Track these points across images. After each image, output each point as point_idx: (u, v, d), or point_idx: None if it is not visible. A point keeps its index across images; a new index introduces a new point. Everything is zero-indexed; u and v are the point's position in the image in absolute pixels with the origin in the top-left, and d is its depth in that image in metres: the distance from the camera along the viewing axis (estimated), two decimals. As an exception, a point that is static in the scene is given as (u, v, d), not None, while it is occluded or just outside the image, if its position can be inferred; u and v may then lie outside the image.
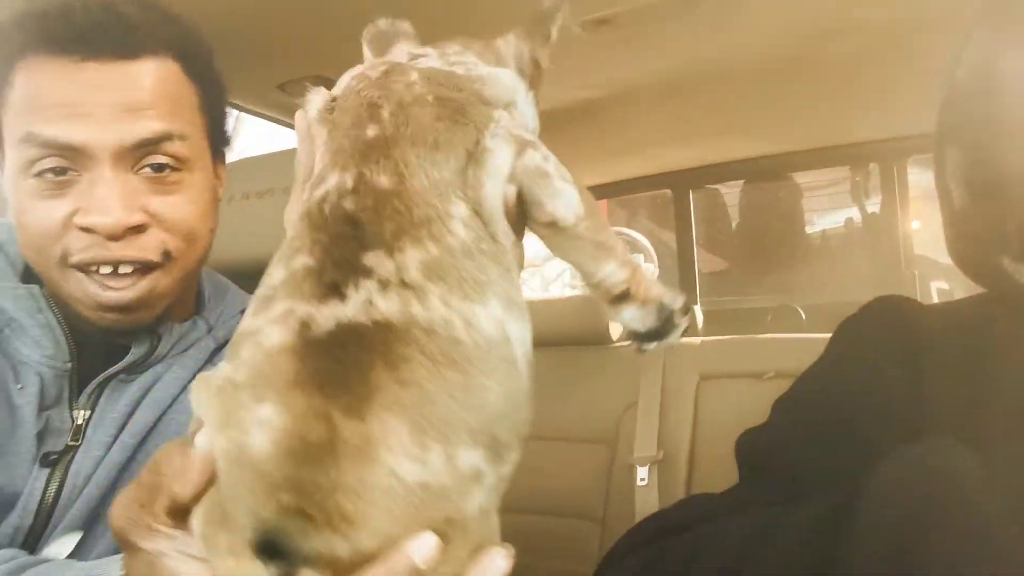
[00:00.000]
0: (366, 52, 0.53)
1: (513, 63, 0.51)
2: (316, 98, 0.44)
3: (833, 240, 3.55)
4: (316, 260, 0.36)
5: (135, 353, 0.68)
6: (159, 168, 0.65)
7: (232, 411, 0.33)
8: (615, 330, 1.75)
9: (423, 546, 0.33)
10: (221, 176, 0.75)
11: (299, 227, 0.39)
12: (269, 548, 0.32)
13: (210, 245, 0.72)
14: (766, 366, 1.48)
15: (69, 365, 0.66)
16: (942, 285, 2.65)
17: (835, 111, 1.85)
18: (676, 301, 0.46)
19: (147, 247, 0.64)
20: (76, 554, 0.61)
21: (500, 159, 0.41)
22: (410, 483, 0.33)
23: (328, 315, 0.34)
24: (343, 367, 0.33)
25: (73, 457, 0.65)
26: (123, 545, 0.37)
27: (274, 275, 0.38)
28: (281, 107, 1.50)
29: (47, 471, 0.64)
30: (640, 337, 0.47)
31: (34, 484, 0.63)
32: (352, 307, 0.34)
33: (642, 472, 1.47)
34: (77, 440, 0.65)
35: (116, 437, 0.66)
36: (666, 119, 1.86)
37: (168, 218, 0.65)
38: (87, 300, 0.64)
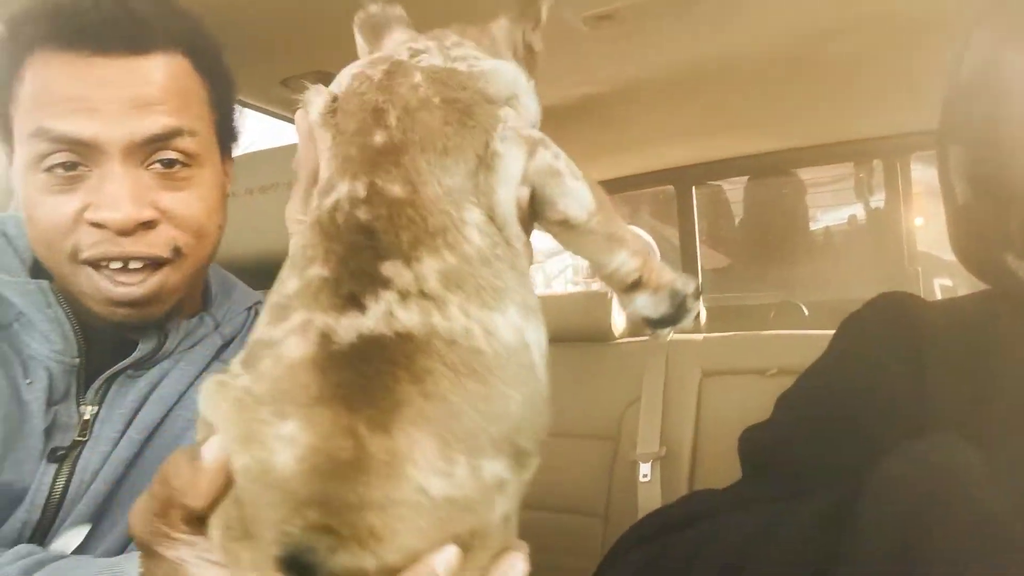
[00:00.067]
0: (358, 39, 0.53)
1: (508, 48, 0.51)
2: (316, 99, 0.43)
3: (836, 237, 3.54)
4: (331, 270, 0.36)
5: (143, 349, 0.68)
6: (169, 164, 0.65)
7: (254, 427, 0.33)
8: (618, 326, 1.75)
9: (446, 559, 0.33)
10: (229, 172, 0.75)
11: (310, 236, 0.38)
12: (295, 564, 0.32)
13: (219, 242, 0.72)
14: (769, 363, 1.48)
15: (77, 360, 0.66)
16: (945, 282, 2.65)
17: (838, 107, 1.84)
18: (688, 286, 0.47)
19: (157, 243, 0.65)
20: (83, 548, 0.62)
21: (511, 163, 0.41)
22: (437, 497, 0.32)
23: (349, 327, 0.34)
24: (367, 380, 0.33)
25: (80, 452, 0.65)
26: (146, 553, 0.37)
27: (288, 284, 0.37)
28: (284, 102, 1.50)
29: (55, 466, 0.64)
30: (653, 323, 0.47)
31: (42, 479, 0.63)
32: (373, 319, 0.34)
33: (645, 468, 1.47)
34: (84, 435, 0.66)
35: (123, 433, 0.66)
36: (669, 115, 1.86)
37: (178, 214, 0.66)
38: (97, 295, 0.64)
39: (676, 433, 1.50)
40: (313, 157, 0.43)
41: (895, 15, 1.28)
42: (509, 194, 0.40)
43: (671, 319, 0.47)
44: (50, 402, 0.65)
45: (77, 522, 0.63)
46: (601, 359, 1.71)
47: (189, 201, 0.66)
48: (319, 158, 0.42)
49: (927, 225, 2.50)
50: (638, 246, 0.46)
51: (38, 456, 0.64)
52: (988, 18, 0.59)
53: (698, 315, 1.70)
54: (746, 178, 2.75)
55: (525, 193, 0.42)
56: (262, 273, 0.89)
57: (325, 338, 0.34)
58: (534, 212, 0.43)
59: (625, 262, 0.45)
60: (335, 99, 0.42)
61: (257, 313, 0.77)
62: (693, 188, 2.46)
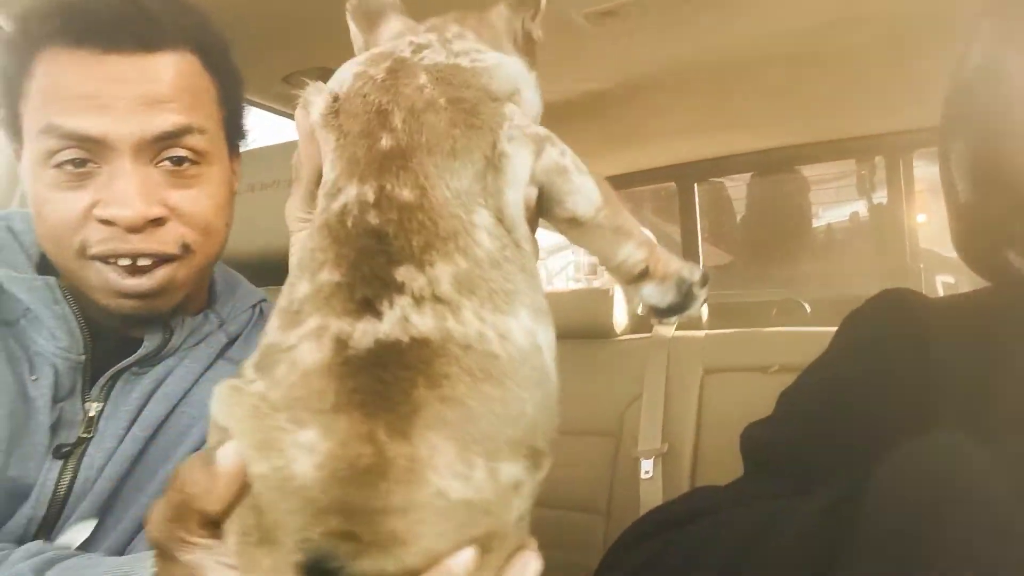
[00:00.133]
0: (352, 27, 0.53)
1: (508, 38, 0.50)
2: (317, 99, 0.42)
3: (838, 234, 3.54)
4: (343, 275, 0.36)
5: (148, 346, 0.68)
6: (178, 161, 0.65)
7: (271, 435, 0.33)
8: (619, 323, 1.75)
9: (464, 561, 0.33)
10: (236, 170, 0.75)
11: (319, 239, 0.38)
12: (316, 570, 0.32)
13: (226, 239, 0.72)
14: (771, 359, 1.48)
15: (83, 357, 0.66)
16: (948, 279, 2.65)
17: (841, 104, 1.84)
18: (694, 274, 0.47)
19: (166, 240, 0.65)
20: (88, 543, 0.62)
21: (519, 163, 0.40)
22: (456, 500, 0.33)
23: (365, 332, 0.34)
24: (384, 386, 0.33)
25: (86, 449, 0.65)
26: (163, 556, 0.37)
27: (298, 288, 0.37)
28: (286, 99, 1.50)
29: (60, 463, 0.64)
30: (661, 312, 0.47)
31: (47, 475, 0.64)
32: (388, 324, 0.34)
33: (646, 465, 1.47)
34: (89, 432, 0.66)
35: (128, 429, 0.66)
36: (671, 112, 1.86)
37: (187, 211, 0.66)
38: (106, 288, 0.64)
39: (678, 430, 1.51)
40: (315, 156, 0.42)
41: (898, 11, 1.27)
42: (518, 195, 0.40)
43: (678, 308, 0.47)
44: (56, 399, 0.65)
45: (82, 518, 0.63)
46: (603, 356, 1.71)
47: (198, 199, 0.67)
48: (322, 158, 0.42)
49: (929, 222, 2.49)
50: (644, 236, 0.46)
51: (43, 452, 0.64)
52: (990, 15, 0.58)
53: (700, 312, 1.70)
54: (748, 175, 2.75)
55: (533, 193, 0.42)
56: (263, 270, 0.90)
57: (340, 344, 0.34)
58: (541, 210, 0.43)
59: (632, 253, 0.45)
60: (336, 99, 0.42)
61: (262, 311, 0.78)
62: (695, 185, 2.46)
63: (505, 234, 0.39)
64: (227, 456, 0.34)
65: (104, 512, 0.64)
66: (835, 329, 0.68)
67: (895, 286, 0.68)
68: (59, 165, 0.62)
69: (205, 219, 0.67)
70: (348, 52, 0.52)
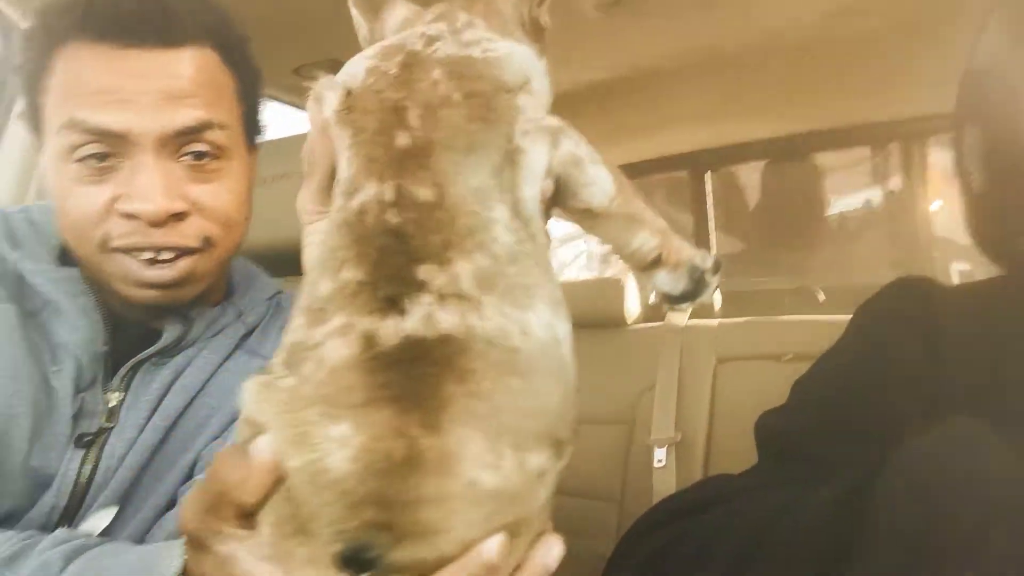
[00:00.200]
0: (355, 15, 0.52)
1: (517, 24, 0.50)
2: (330, 95, 0.42)
3: (852, 221, 3.51)
4: (366, 274, 0.36)
5: (168, 337, 0.69)
6: (199, 156, 0.66)
7: (304, 429, 0.34)
8: (632, 312, 1.75)
9: (493, 547, 0.34)
10: (254, 164, 0.76)
11: (338, 237, 0.38)
12: (354, 560, 0.33)
13: (245, 232, 0.73)
14: (784, 348, 1.48)
15: (105, 348, 0.67)
16: (963, 267, 2.62)
17: (854, 91, 1.82)
18: (707, 261, 0.47)
19: (187, 234, 0.65)
20: (109, 530, 0.63)
21: (536, 158, 0.41)
22: (487, 490, 0.34)
23: (391, 330, 0.34)
24: (413, 382, 0.34)
25: (107, 439, 0.66)
26: (196, 546, 0.38)
27: (320, 286, 0.37)
28: (297, 91, 1.50)
29: (82, 452, 0.65)
30: (673, 299, 0.48)
31: (69, 465, 0.65)
32: (413, 321, 0.35)
33: (660, 453, 1.47)
34: (111, 422, 0.67)
35: (148, 419, 0.67)
36: (681, 101, 1.85)
37: (208, 206, 0.66)
38: (128, 278, 0.65)
39: (691, 419, 1.50)
40: (329, 151, 0.42)
41: (911, -3, 1.26)
42: (534, 189, 0.41)
43: (690, 295, 0.47)
44: (77, 389, 0.66)
45: (103, 506, 0.64)
46: (616, 345, 1.71)
47: (219, 193, 0.67)
48: (337, 155, 0.42)
49: (944, 209, 2.47)
50: (657, 224, 0.47)
51: (65, 442, 0.65)
52: (1003, 5, 0.58)
53: (713, 300, 1.69)
54: (761, 163, 2.73)
55: (549, 185, 0.42)
56: (274, 262, 0.90)
57: (368, 341, 0.34)
58: (555, 200, 0.43)
59: (645, 241, 0.46)
60: (349, 93, 0.42)
61: (279, 303, 0.78)
62: (707, 174, 2.44)
63: (521, 227, 0.39)
64: (262, 449, 0.35)
65: (124, 500, 0.65)
66: (849, 317, 0.68)
67: (909, 274, 0.68)
68: (81, 159, 0.62)
69: (226, 213, 0.68)
70: (359, 44, 0.52)
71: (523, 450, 0.35)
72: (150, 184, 0.62)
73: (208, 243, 0.67)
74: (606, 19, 1.30)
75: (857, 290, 0.77)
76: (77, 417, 0.65)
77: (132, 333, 0.69)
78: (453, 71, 0.42)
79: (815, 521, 0.46)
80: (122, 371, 0.68)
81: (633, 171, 2.38)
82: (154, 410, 0.67)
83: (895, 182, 2.49)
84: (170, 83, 0.63)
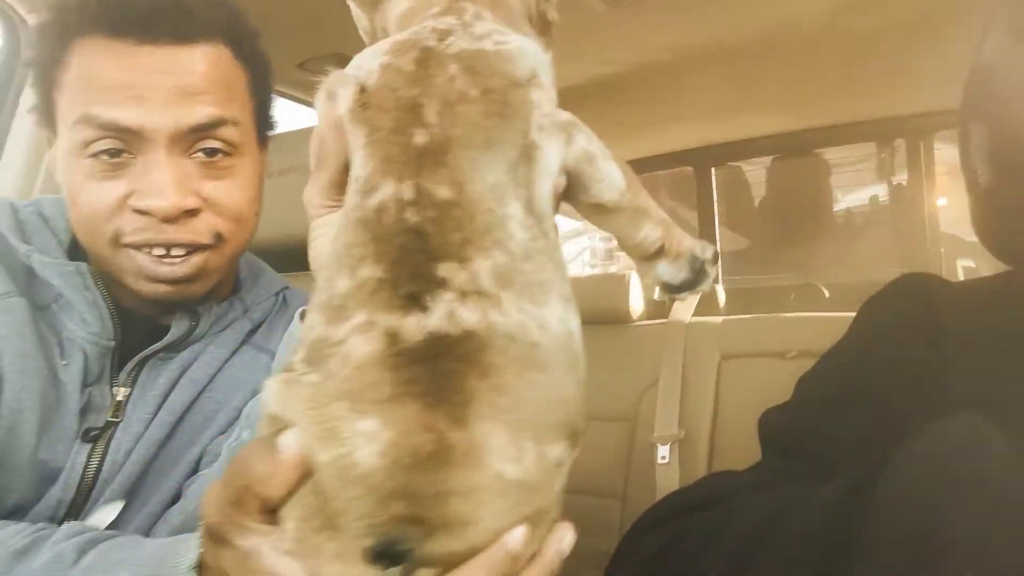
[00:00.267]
0: (353, 7, 0.52)
1: (524, 19, 0.50)
2: (344, 92, 0.42)
3: (858, 217, 3.50)
4: (385, 271, 0.36)
5: (175, 332, 0.69)
6: (211, 153, 0.66)
7: (333, 425, 0.34)
8: (636, 308, 1.74)
9: (517, 538, 0.35)
10: (264, 161, 0.76)
11: (354, 235, 0.38)
12: (384, 554, 0.34)
13: (256, 228, 0.73)
14: (789, 345, 1.47)
15: (113, 343, 0.67)
16: (968, 263, 2.62)
17: (860, 86, 1.82)
18: (706, 251, 0.48)
19: (199, 230, 0.66)
20: (115, 525, 0.63)
21: (551, 154, 0.41)
22: (511, 482, 0.35)
23: (415, 327, 0.35)
24: (438, 378, 0.34)
25: (113, 433, 0.66)
26: (215, 539, 0.38)
27: (338, 283, 0.38)
28: (302, 85, 1.50)
29: (88, 446, 0.65)
30: (673, 289, 0.49)
31: (76, 459, 0.65)
32: (436, 318, 0.35)
33: (663, 450, 1.47)
34: (117, 416, 0.67)
35: (155, 414, 0.67)
36: (687, 95, 1.85)
37: (220, 202, 0.67)
38: (139, 273, 0.65)
39: (695, 415, 1.50)
40: (340, 149, 0.42)
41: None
42: (548, 187, 0.41)
43: (690, 284, 0.49)
44: (85, 383, 0.66)
45: (109, 501, 0.64)
46: (619, 341, 1.71)
47: (230, 189, 0.67)
48: (350, 152, 0.42)
49: (950, 205, 2.46)
50: (660, 215, 0.47)
51: (73, 436, 0.65)
52: (1008, 3, 0.58)
53: (716, 297, 1.68)
54: (767, 159, 2.73)
55: (562, 181, 0.42)
56: (280, 256, 0.90)
57: (391, 337, 0.35)
58: (566, 196, 0.44)
59: (650, 233, 0.46)
60: (363, 90, 0.42)
61: (284, 299, 0.78)
62: (712, 169, 2.44)
63: (535, 224, 0.40)
64: (290, 443, 0.35)
65: (131, 495, 0.65)
66: (854, 314, 0.68)
67: (915, 271, 0.67)
68: (95, 155, 0.63)
69: (238, 209, 0.68)
70: (362, 38, 0.52)
71: (543, 442, 0.36)
72: (163, 180, 0.63)
73: (219, 239, 0.67)
74: (613, 13, 1.30)
75: (862, 287, 0.77)
76: (84, 411, 0.66)
77: (139, 328, 0.69)
78: (469, 66, 0.41)
79: (818, 519, 0.46)
80: (129, 366, 0.68)
81: (639, 166, 2.37)
82: (160, 405, 0.68)
83: (901, 178, 2.48)
84: (184, 79, 0.63)
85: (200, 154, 0.65)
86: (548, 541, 0.38)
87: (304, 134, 1.18)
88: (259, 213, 0.73)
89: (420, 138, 0.39)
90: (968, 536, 0.36)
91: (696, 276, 0.48)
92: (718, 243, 2.45)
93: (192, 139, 0.65)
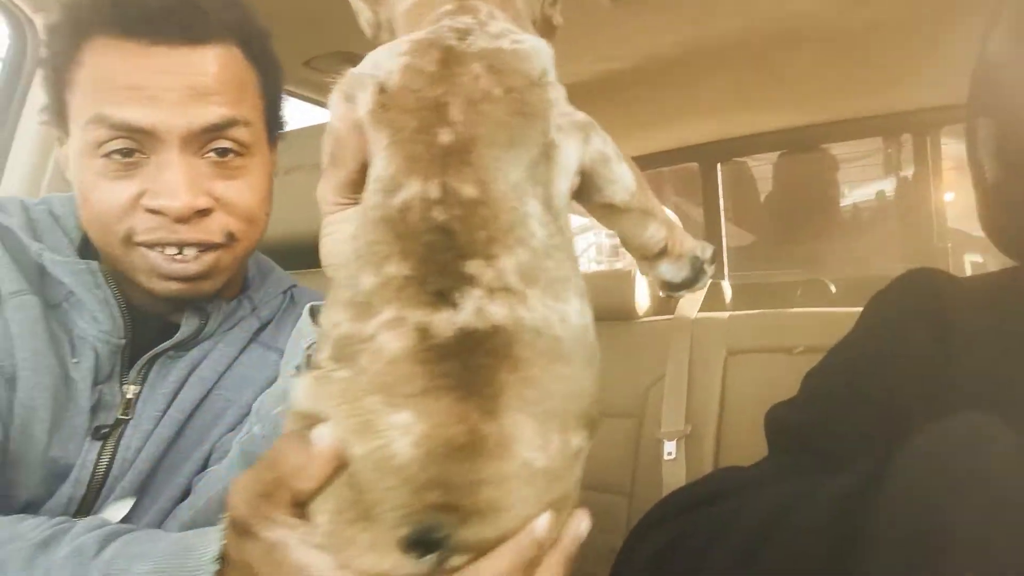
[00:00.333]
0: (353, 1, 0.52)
1: (529, 20, 0.50)
2: (363, 95, 0.42)
3: (864, 213, 3.49)
4: (412, 269, 0.37)
5: (185, 330, 0.70)
6: (223, 153, 0.66)
7: (368, 418, 0.35)
8: (642, 305, 1.74)
9: (543, 524, 0.37)
10: (274, 160, 0.76)
11: (378, 233, 0.39)
12: (419, 543, 0.35)
13: (266, 227, 0.74)
14: (795, 340, 1.47)
15: (123, 341, 0.68)
16: (976, 258, 2.60)
17: (866, 81, 1.81)
18: (706, 251, 0.50)
19: (211, 230, 0.66)
20: (125, 521, 0.63)
21: (569, 154, 0.42)
22: (538, 470, 0.36)
23: (445, 322, 0.36)
24: (470, 371, 0.35)
25: (123, 431, 0.67)
26: (240, 531, 0.38)
27: (362, 280, 0.38)
28: (308, 84, 1.50)
29: (99, 444, 0.66)
30: (673, 287, 0.51)
31: (86, 456, 0.65)
32: (465, 314, 0.36)
33: (669, 446, 1.47)
34: (127, 414, 0.68)
35: (165, 412, 0.68)
36: (693, 91, 1.84)
37: (231, 202, 0.67)
38: (151, 271, 0.66)
39: (701, 411, 1.50)
40: (359, 149, 0.42)
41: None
42: (566, 185, 0.42)
43: (689, 283, 0.50)
44: (95, 381, 0.67)
45: (120, 498, 0.65)
46: (625, 337, 1.71)
47: (242, 189, 0.68)
48: (370, 153, 0.42)
49: (957, 200, 2.45)
50: (664, 216, 0.49)
51: (83, 434, 0.66)
52: None
53: (723, 293, 1.68)
54: (773, 154, 2.72)
55: (577, 181, 0.43)
56: (286, 254, 0.90)
57: (422, 333, 0.36)
58: (578, 195, 0.45)
59: (655, 233, 0.48)
60: (382, 90, 0.42)
61: (292, 297, 0.79)
62: (718, 165, 2.43)
63: (552, 221, 0.40)
64: (324, 436, 0.36)
65: (141, 492, 0.66)
66: (860, 310, 0.68)
67: (921, 266, 0.67)
68: (107, 155, 0.63)
69: (249, 209, 0.69)
70: (367, 34, 0.52)
71: (566, 431, 0.37)
72: (175, 181, 0.63)
73: (231, 238, 0.68)
74: (619, 9, 1.29)
75: (869, 282, 0.77)
76: (95, 409, 0.66)
77: (149, 326, 0.70)
78: (491, 65, 0.42)
79: (824, 515, 0.46)
80: (139, 364, 0.69)
81: (644, 163, 2.37)
82: (170, 403, 0.68)
83: (907, 173, 2.47)
84: (196, 80, 0.64)
85: (212, 154, 0.66)
86: (568, 528, 0.40)
87: (309, 132, 1.18)
88: (269, 212, 0.74)
89: (445, 137, 0.39)
90: (968, 536, 0.36)
91: (696, 275, 0.50)
92: (724, 239, 2.44)
93: (204, 139, 0.65)
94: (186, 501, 0.65)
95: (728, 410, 1.50)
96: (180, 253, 0.65)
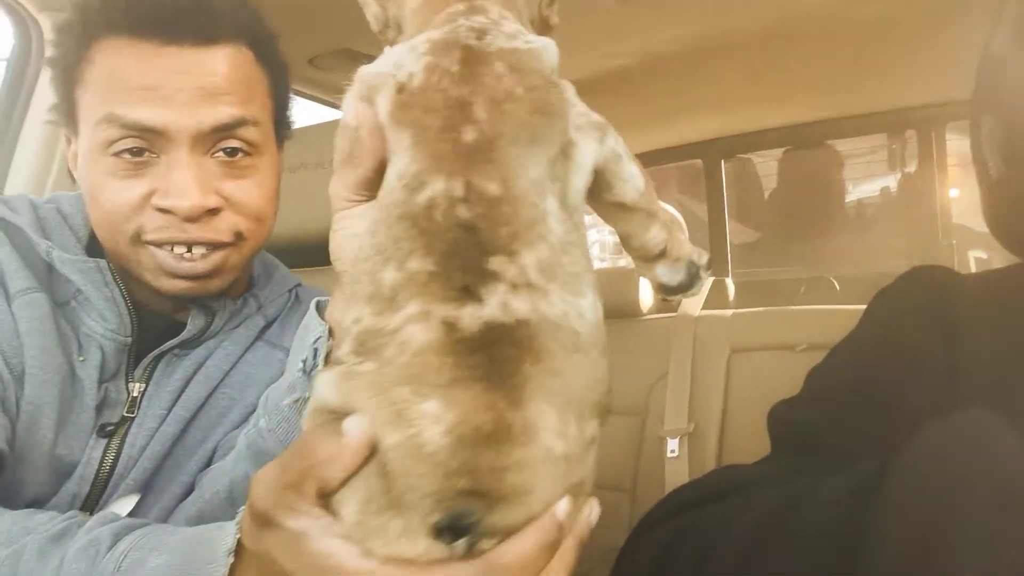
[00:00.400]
0: None
1: (527, 21, 0.50)
2: (382, 96, 0.43)
3: (869, 209, 3.48)
4: (436, 264, 0.38)
5: (191, 328, 0.70)
6: (232, 152, 0.67)
7: (399, 408, 0.36)
8: (645, 302, 1.74)
9: (563, 508, 0.38)
10: (281, 160, 0.77)
11: (400, 229, 0.39)
12: (449, 529, 0.36)
13: (273, 226, 0.74)
14: (799, 338, 1.47)
15: (129, 339, 0.68)
16: (980, 254, 2.60)
17: (870, 77, 1.80)
18: (702, 258, 0.51)
19: (220, 229, 0.67)
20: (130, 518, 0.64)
21: (587, 152, 0.43)
22: (559, 456, 0.37)
23: (472, 316, 0.37)
24: (495, 363, 0.36)
25: (129, 428, 0.68)
26: (263, 523, 0.39)
27: (384, 275, 0.39)
28: (313, 82, 1.50)
29: (104, 441, 0.67)
30: (669, 290, 0.52)
31: (92, 454, 0.66)
32: (491, 309, 0.37)
33: (672, 444, 1.47)
34: (132, 412, 0.68)
35: (170, 410, 0.68)
36: (696, 87, 1.84)
37: (240, 201, 0.68)
38: (160, 269, 0.66)
39: (704, 409, 1.50)
40: (377, 149, 0.43)
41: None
42: (582, 182, 0.43)
43: (684, 287, 0.51)
44: (101, 379, 0.67)
45: (124, 495, 0.65)
46: (628, 335, 1.71)
47: (251, 189, 0.68)
48: (390, 153, 0.42)
49: (961, 197, 2.44)
50: (667, 218, 0.49)
51: (89, 431, 0.66)
52: None
53: (726, 290, 1.67)
54: (777, 151, 2.72)
55: (591, 178, 0.44)
56: (291, 252, 0.91)
57: (449, 326, 0.37)
58: (589, 193, 0.45)
59: (656, 235, 0.49)
60: (402, 90, 0.42)
61: (297, 295, 0.79)
62: (722, 162, 2.43)
63: (568, 218, 0.41)
64: (354, 427, 0.37)
65: (145, 489, 0.66)
66: (865, 307, 0.68)
67: (926, 263, 0.67)
68: (117, 154, 0.64)
69: (258, 208, 0.69)
70: (374, 35, 0.52)
71: (583, 419, 0.39)
72: (185, 180, 0.64)
73: (240, 237, 0.68)
74: (623, 6, 1.29)
75: (873, 279, 0.77)
76: (100, 407, 0.67)
77: (155, 325, 0.70)
78: (511, 64, 0.42)
79: (827, 512, 0.46)
80: (145, 362, 0.69)
81: (647, 159, 2.37)
82: (175, 401, 0.69)
83: (912, 169, 2.47)
84: (206, 80, 0.64)
85: (221, 154, 0.66)
86: (582, 513, 0.41)
87: (314, 130, 1.18)
88: (277, 211, 0.74)
89: (469, 135, 0.40)
90: (972, 535, 0.36)
91: (691, 280, 0.51)
92: (728, 236, 2.44)
93: (214, 139, 0.65)
94: (190, 497, 0.66)
95: (731, 408, 1.50)
96: (189, 252, 0.66)
